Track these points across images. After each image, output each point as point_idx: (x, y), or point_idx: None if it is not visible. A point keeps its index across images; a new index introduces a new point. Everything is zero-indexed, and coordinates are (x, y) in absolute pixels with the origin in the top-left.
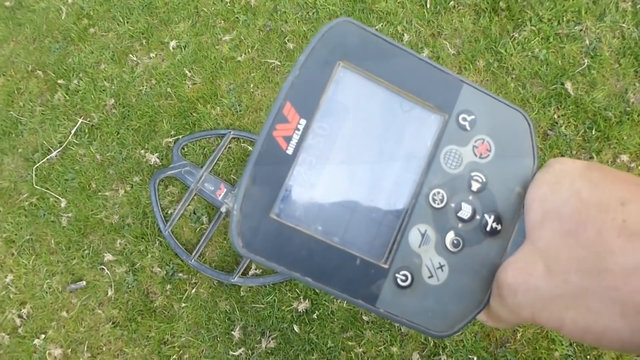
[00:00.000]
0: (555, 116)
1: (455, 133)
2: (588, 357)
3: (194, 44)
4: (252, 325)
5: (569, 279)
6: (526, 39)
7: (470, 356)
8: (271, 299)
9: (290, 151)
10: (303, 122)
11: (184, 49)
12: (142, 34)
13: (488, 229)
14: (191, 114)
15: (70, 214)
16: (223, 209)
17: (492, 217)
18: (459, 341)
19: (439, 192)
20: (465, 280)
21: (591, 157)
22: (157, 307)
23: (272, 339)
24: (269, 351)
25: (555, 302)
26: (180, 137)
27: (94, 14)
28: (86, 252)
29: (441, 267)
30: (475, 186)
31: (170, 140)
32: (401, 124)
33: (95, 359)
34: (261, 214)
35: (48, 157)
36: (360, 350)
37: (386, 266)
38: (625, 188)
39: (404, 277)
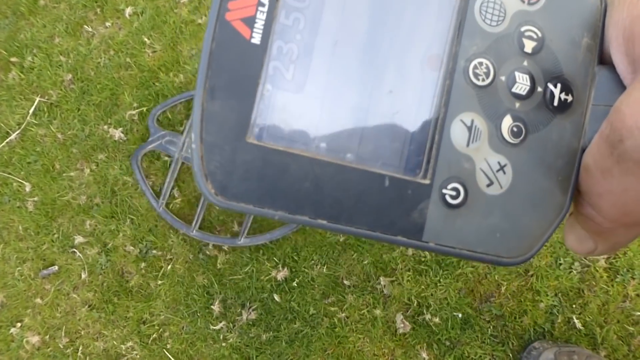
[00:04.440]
0: None
1: None
2: (574, 306)
3: (151, 9)
4: (231, 298)
5: None
6: None
7: (455, 313)
8: (249, 269)
9: (257, 39)
10: None
11: (141, 15)
12: (96, 2)
13: (555, 102)
14: (153, 83)
15: (36, 198)
16: None
17: (559, 85)
18: (442, 299)
19: (481, 63)
20: (536, 179)
21: None
22: (133, 286)
23: (253, 310)
24: (251, 322)
25: None
26: (145, 108)
27: None
28: (56, 236)
29: (502, 168)
30: (529, 46)
31: (134, 112)
32: None
33: (75, 344)
34: (234, 140)
35: (7, 140)
36: (343, 315)
37: (427, 181)
38: None
39: (454, 193)
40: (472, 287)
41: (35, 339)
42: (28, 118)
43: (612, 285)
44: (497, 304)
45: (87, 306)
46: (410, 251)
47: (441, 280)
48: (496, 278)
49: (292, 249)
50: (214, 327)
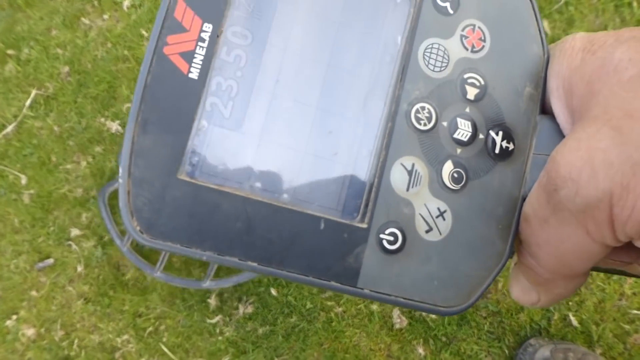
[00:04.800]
0: None
1: (434, 20)
2: (570, 303)
3: (149, 2)
4: (228, 292)
5: None
6: None
7: None
8: None
9: (194, 74)
10: (208, 27)
11: (139, 8)
12: None
13: (497, 150)
14: None
15: (32, 191)
16: None
17: (500, 133)
18: None
19: (424, 108)
20: (476, 226)
21: None
22: (129, 279)
23: (250, 304)
24: (247, 316)
25: None
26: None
27: None
28: (52, 228)
29: (441, 214)
30: (471, 93)
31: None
32: (355, 16)
33: (70, 336)
34: (164, 176)
35: (3, 132)
36: (340, 309)
37: (364, 226)
38: None
39: (392, 238)
40: None
41: (30, 332)
42: (24, 110)
43: (609, 284)
44: (493, 301)
45: (82, 299)
46: None
47: None
48: None
49: None
50: (210, 321)
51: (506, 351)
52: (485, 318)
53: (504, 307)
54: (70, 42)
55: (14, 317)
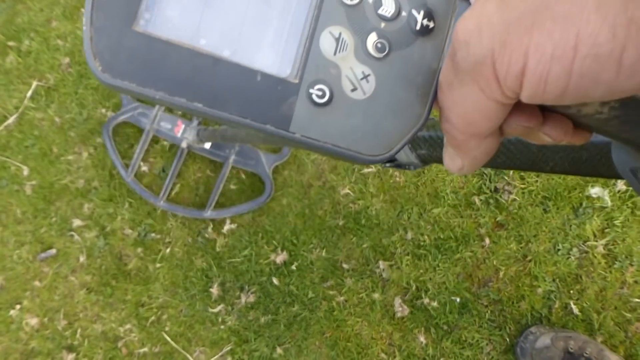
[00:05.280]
0: None
1: None
2: (571, 291)
3: None
4: (230, 281)
5: None
6: None
7: (453, 297)
8: (248, 252)
9: None
10: None
11: None
12: None
13: (417, 27)
14: None
15: (34, 182)
16: (184, 145)
17: (422, 12)
18: (441, 283)
19: None
20: (398, 90)
21: None
22: (131, 269)
23: (252, 293)
24: (249, 306)
25: (514, 29)
26: None
27: None
28: (54, 219)
29: (366, 77)
30: None
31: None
32: None
33: (73, 326)
34: (121, 27)
35: (5, 123)
36: (342, 298)
37: (296, 81)
38: None
39: (320, 93)
40: (471, 271)
41: (34, 321)
42: (26, 102)
43: (610, 272)
44: (495, 289)
45: (85, 289)
46: (409, 235)
47: (440, 264)
48: (494, 263)
49: (291, 232)
50: (213, 310)
51: (507, 339)
52: (486, 307)
53: (505, 296)
54: (71, 34)
55: (18, 306)
